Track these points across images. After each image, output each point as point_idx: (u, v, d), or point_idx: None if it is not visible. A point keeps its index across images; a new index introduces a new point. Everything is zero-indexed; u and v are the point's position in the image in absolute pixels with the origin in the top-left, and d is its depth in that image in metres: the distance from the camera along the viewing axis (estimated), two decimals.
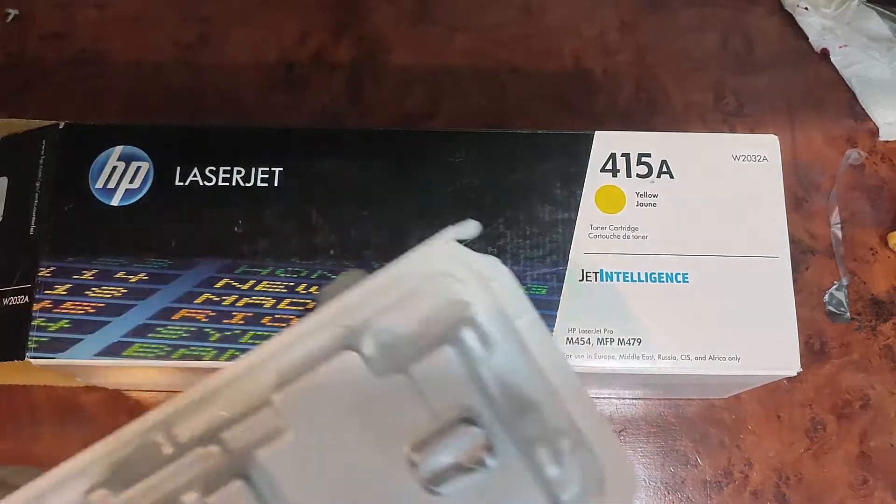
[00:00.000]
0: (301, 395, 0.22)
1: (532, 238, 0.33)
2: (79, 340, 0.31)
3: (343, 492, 0.22)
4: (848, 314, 0.44)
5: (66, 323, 0.31)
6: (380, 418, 0.23)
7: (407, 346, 0.23)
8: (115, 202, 0.33)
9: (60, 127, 0.35)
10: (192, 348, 0.31)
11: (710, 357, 0.32)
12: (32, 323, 0.31)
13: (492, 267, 0.24)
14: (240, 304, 0.32)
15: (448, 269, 0.24)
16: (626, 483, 0.22)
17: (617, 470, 0.22)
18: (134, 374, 0.35)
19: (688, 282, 0.33)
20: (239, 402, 0.23)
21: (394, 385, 0.22)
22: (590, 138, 0.35)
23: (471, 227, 0.24)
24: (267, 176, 0.34)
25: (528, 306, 0.24)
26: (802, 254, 0.45)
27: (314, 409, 0.22)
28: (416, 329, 0.24)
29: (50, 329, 0.31)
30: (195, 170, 0.34)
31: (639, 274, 0.33)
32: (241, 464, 0.22)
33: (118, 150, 0.34)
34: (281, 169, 0.34)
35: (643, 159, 0.35)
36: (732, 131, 0.48)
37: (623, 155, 0.35)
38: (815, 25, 0.51)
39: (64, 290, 0.32)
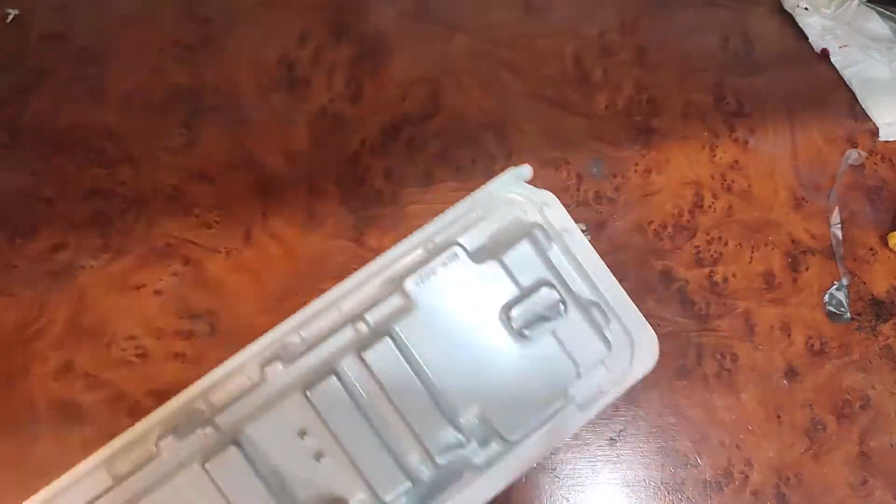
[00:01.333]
0: (423, 279, 0.34)
1: None
2: None
3: (457, 345, 0.33)
4: (848, 314, 0.44)
5: None
6: (481, 292, 0.34)
7: (495, 243, 0.35)
8: None
9: None
10: None
11: None
12: None
13: (547, 196, 0.36)
14: None
15: (513, 198, 0.36)
16: (648, 337, 0.35)
17: (640, 329, 0.35)
18: None
19: None
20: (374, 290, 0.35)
21: (490, 268, 0.34)
22: None
23: (528, 170, 0.36)
24: None
25: (572, 224, 0.36)
26: (802, 254, 0.45)
27: (433, 290, 0.34)
28: (495, 236, 0.35)
29: None
30: None
31: None
32: (385, 329, 0.33)
33: None
34: None
35: None
36: (732, 131, 0.48)
37: None
38: (816, 26, 0.51)
39: None
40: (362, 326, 0.34)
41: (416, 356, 0.33)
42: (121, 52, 0.48)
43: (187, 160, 0.45)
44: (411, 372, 0.33)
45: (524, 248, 0.35)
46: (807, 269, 0.45)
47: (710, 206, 0.46)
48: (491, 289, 0.34)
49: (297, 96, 0.47)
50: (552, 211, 0.36)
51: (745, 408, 0.42)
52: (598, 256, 0.36)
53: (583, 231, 0.43)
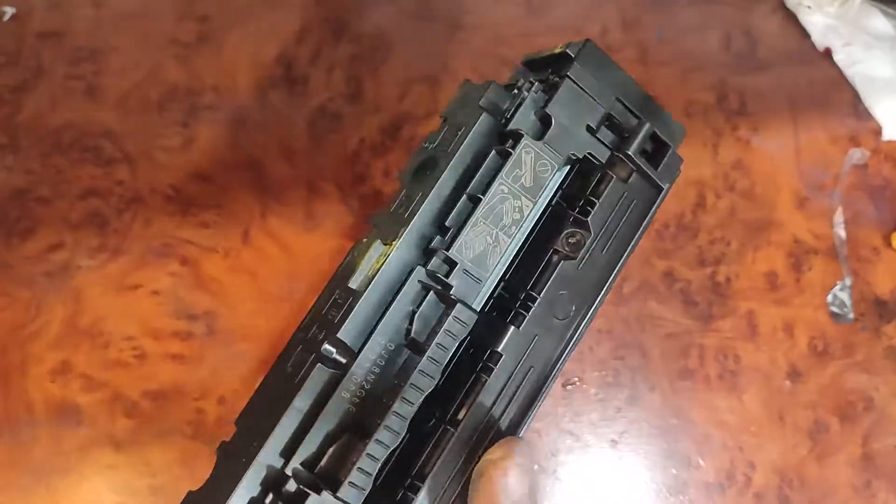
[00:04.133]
0: None
1: None
2: None
3: None
4: (851, 315, 0.44)
5: None
6: None
7: None
8: None
9: None
10: None
11: None
12: None
13: None
14: None
15: None
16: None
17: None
18: None
19: None
20: None
21: None
22: None
23: None
24: None
25: None
26: (805, 254, 0.45)
27: None
28: None
29: None
30: None
31: None
32: None
33: None
34: None
35: None
36: (735, 130, 0.48)
37: None
38: (818, 24, 0.51)
39: None
40: None
41: None
42: (118, 51, 0.48)
43: (185, 159, 0.45)
44: None
45: None
46: (810, 269, 0.45)
47: (712, 206, 0.46)
48: None
49: (295, 95, 0.47)
50: None
51: (748, 409, 0.42)
52: None
53: None
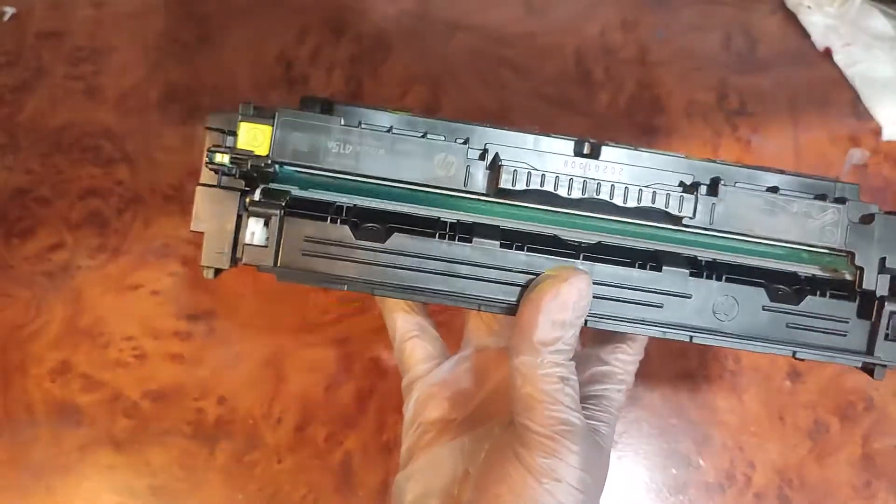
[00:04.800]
0: None
1: None
2: None
3: None
4: None
5: None
6: None
7: None
8: None
9: None
10: None
11: None
12: None
13: None
14: None
15: None
16: None
17: None
18: None
19: None
20: None
21: None
22: None
23: None
24: None
25: None
26: None
27: None
28: None
29: None
30: None
31: None
32: None
33: None
34: None
35: None
36: (735, 130, 0.48)
37: None
38: (818, 24, 0.51)
39: None
40: None
41: None
42: (118, 51, 0.48)
43: (185, 159, 0.45)
44: None
45: None
46: None
47: None
48: None
49: (295, 94, 0.47)
50: None
51: (748, 409, 0.42)
52: None
53: None
